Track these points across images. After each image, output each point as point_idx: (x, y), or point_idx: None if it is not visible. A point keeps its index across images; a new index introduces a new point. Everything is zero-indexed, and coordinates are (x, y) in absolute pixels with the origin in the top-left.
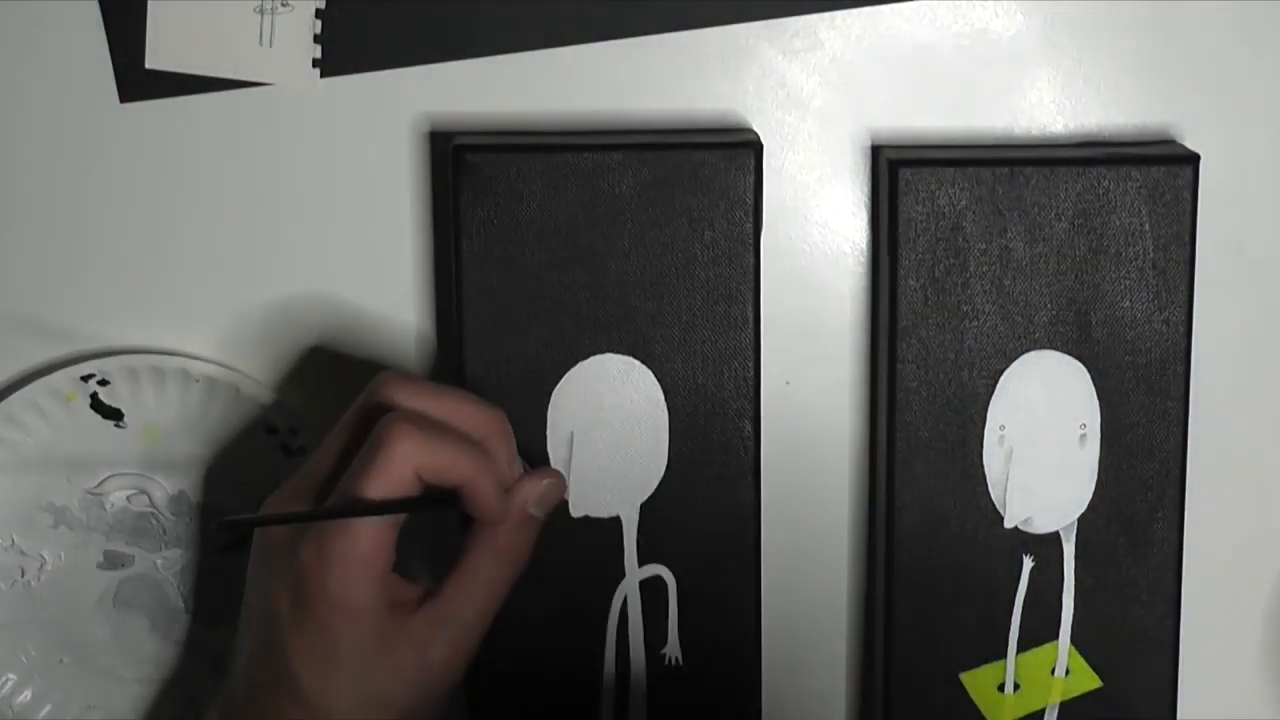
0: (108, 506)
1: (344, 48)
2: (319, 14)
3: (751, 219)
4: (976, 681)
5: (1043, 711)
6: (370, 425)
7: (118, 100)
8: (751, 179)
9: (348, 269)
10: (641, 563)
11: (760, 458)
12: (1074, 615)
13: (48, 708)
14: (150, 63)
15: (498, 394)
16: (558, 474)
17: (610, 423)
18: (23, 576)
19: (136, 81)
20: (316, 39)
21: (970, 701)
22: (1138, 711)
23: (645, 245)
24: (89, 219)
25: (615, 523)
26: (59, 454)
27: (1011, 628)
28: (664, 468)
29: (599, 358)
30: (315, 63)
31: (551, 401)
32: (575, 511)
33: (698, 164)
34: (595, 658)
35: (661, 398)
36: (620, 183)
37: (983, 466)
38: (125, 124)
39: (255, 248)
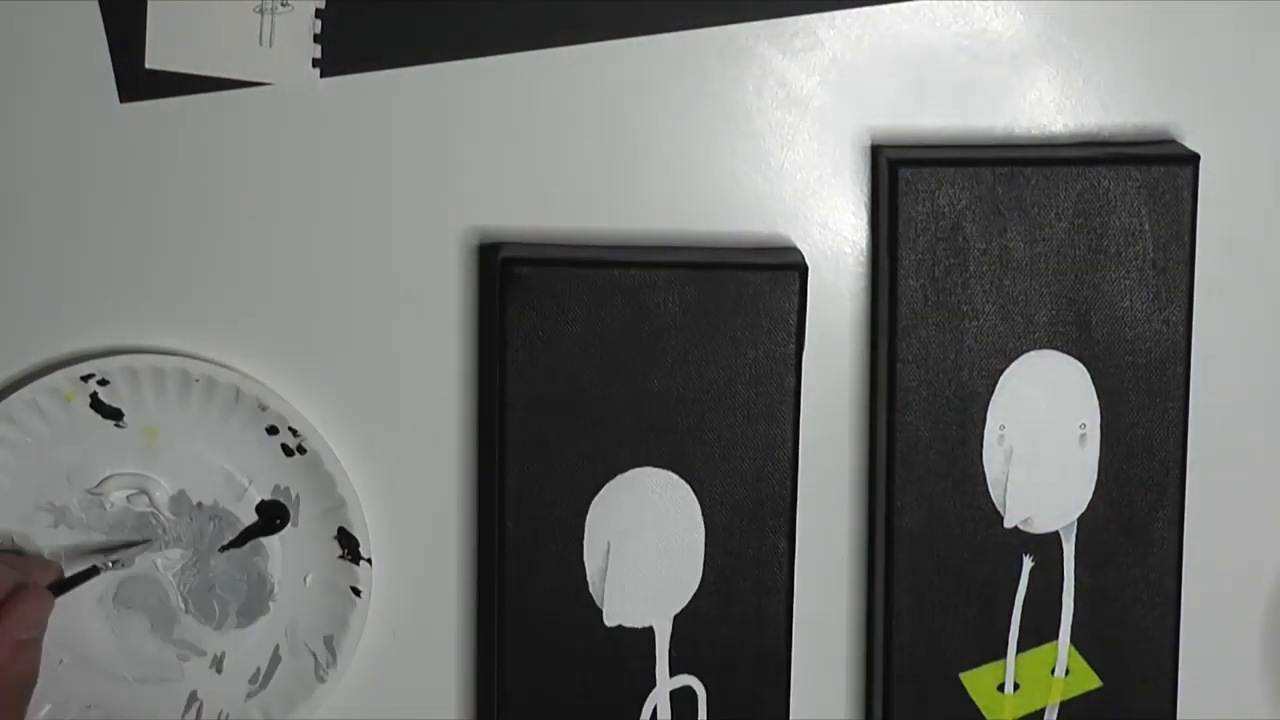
0: (108, 506)
1: (344, 48)
2: (319, 14)
3: (794, 340)
4: (976, 681)
5: (1043, 711)
6: None
7: (118, 100)
8: (796, 301)
9: (349, 267)
10: (673, 673)
11: (794, 574)
12: (1074, 615)
13: (47, 708)
14: (150, 63)
15: (537, 503)
16: (41, 592)
17: (647, 535)
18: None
19: (136, 81)
20: (316, 39)
21: (970, 701)
22: (1138, 711)
23: (688, 362)
24: (89, 219)
25: (648, 633)
26: (59, 454)
27: (1011, 628)
28: (698, 580)
29: (638, 471)
30: (315, 63)
31: (590, 512)
32: (609, 621)
33: (743, 285)
34: None
35: (698, 512)
36: (666, 300)
37: (983, 466)
38: (125, 124)
39: (255, 247)
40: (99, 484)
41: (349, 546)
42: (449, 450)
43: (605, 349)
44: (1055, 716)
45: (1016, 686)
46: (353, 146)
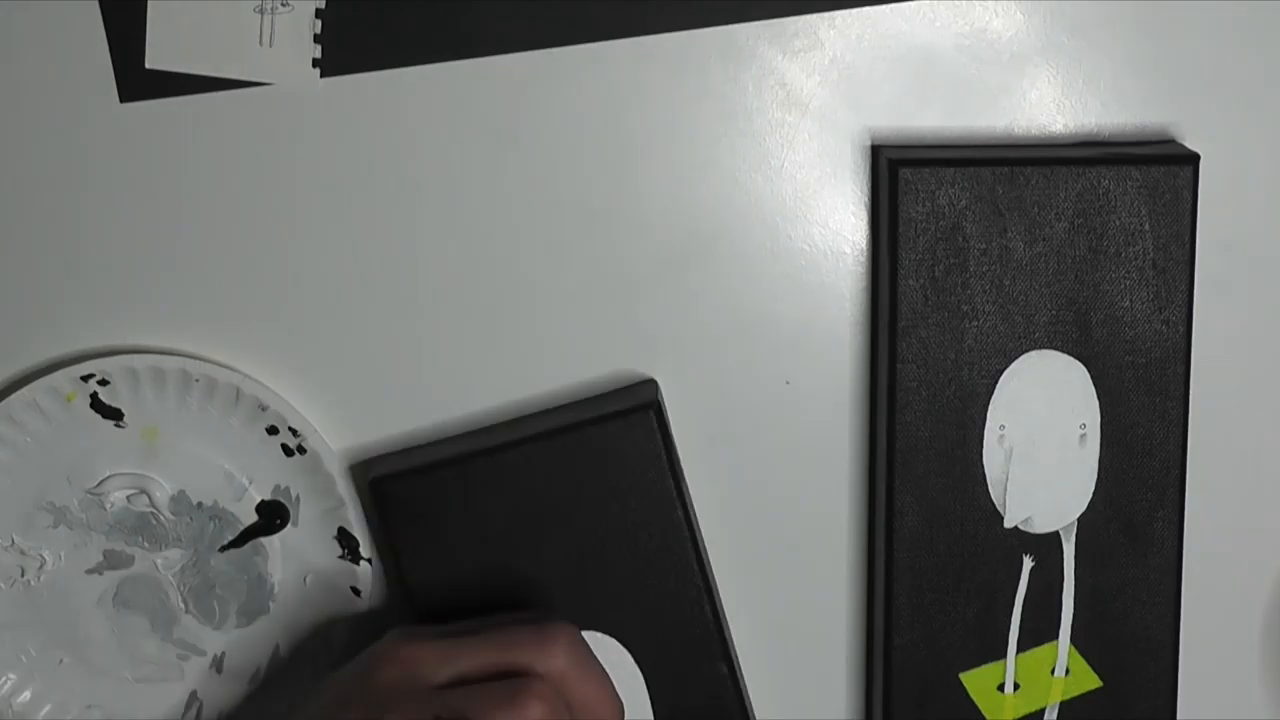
0: (108, 506)
1: (344, 48)
2: (319, 14)
3: (669, 475)
4: (976, 681)
5: (1043, 711)
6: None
7: (118, 100)
8: (658, 438)
9: (349, 267)
10: None
11: (742, 693)
12: (1074, 615)
13: (47, 708)
14: (150, 63)
15: None
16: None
17: None
18: (22, 576)
19: (136, 81)
20: (316, 39)
21: (970, 701)
22: (1137, 711)
23: (575, 524)
24: (88, 219)
25: None
26: (59, 454)
27: (1011, 628)
28: None
29: None
30: (315, 63)
31: None
32: None
33: (603, 438)
34: None
35: (633, 663)
36: (538, 474)
37: (983, 466)
38: (125, 124)
39: (254, 247)
40: (99, 484)
41: (349, 546)
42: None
43: (496, 539)
44: (1055, 716)
45: (1016, 686)
46: (353, 146)
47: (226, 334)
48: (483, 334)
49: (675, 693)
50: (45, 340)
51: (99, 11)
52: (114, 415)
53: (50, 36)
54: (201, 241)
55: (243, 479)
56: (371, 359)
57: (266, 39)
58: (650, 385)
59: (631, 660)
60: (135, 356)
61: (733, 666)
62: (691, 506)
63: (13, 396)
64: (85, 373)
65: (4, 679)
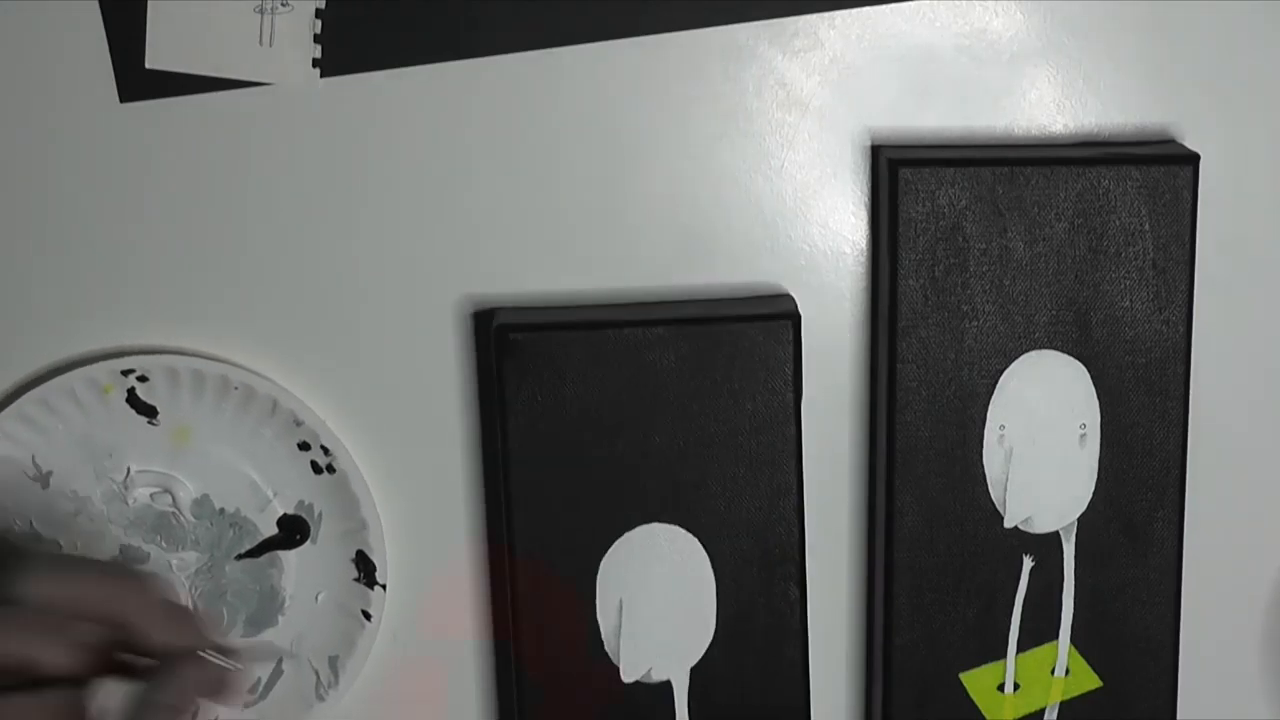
0: (130, 501)
1: (344, 48)
2: (319, 14)
3: (792, 388)
4: (976, 681)
5: (1042, 711)
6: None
7: (118, 100)
8: (790, 350)
9: (349, 268)
10: None
11: (807, 619)
12: (1074, 615)
13: None
14: (150, 63)
15: (548, 564)
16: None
17: (658, 590)
18: None
19: (136, 81)
20: (316, 39)
21: (970, 701)
22: (1137, 711)
23: (688, 417)
24: (87, 219)
25: (666, 687)
26: (89, 444)
27: (1011, 628)
28: (712, 632)
29: (645, 527)
30: (315, 63)
31: (600, 571)
32: (626, 677)
33: (738, 337)
34: None
35: (708, 565)
36: (662, 357)
37: (983, 466)
38: (125, 124)
39: (255, 248)
40: (124, 478)
41: (365, 570)
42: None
43: (606, 409)
44: (1055, 716)
45: (1016, 686)
46: (353, 146)
47: (226, 333)
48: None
49: (743, 606)
50: (71, 336)
51: (99, 11)
52: (148, 412)
53: (50, 36)
54: (201, 242)
55: (268, 490)
56: (371, 359)
57: (266, 39)
58: (789, 299)
59: (708, 563)
60: (178, 358)
61: (804, 593)
62: (801, 431)
63: (50, 382)
64: (126, 367)
65: None
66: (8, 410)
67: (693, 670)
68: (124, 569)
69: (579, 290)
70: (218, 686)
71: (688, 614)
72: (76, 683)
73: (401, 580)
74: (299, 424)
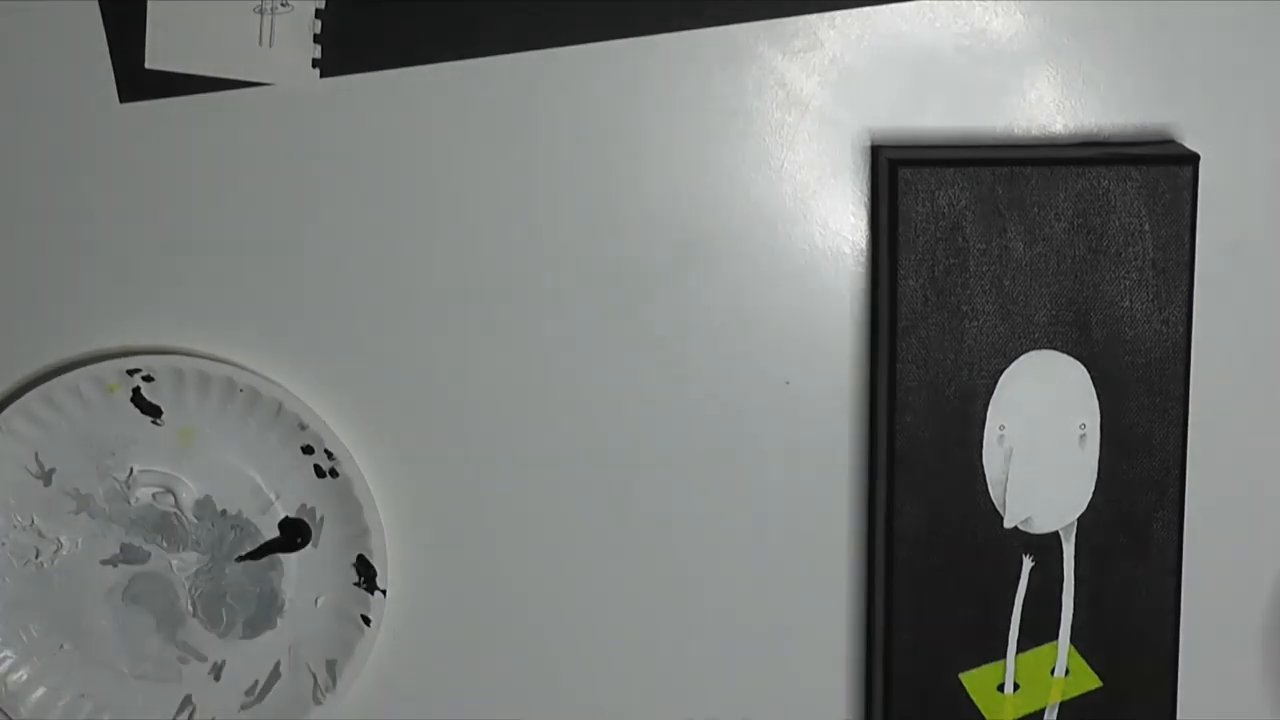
0: (132, 501)
1: (344, 48)
2: (319, 14)
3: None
4: (976, 681)
5: (1042, 712)
6: None
7: (118, 100)
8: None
9: (350, 266)
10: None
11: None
12: (1074, 615)
13: (41, 690)
14: (150, 63)
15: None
16: None
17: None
18: (36, 558)
19: (136, 81)
20: (316, 39)
21: (970, 702)
22: (1137, 711)
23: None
24: (87, 219)
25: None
26: (92, 442)
27: (1011, 628)
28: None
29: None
30: (315, 63)
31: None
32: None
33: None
34: None
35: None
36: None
37: (983, 466)
38: (125, 124)
39: (254, 248)
40: (127, 477)
41: (366, 575)
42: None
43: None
44: (1055, 717)
45: (1016, 687)
46: (353, 146)
47: (226, 330)
48: (486, 338)
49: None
50: (77, 335)
51: (99, 11)
52: (153, 412)
53: (50, 36)
54: (200, 242)
55: (270, 493)
56: (370, 359)
57: (266, 39)
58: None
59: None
60: (183, 358)
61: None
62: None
63: (55, 380)
64: (131, 367)
65: (2, 656)
66: (12, 407)
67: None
68: None
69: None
70: None
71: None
72: None
73: (401, 585)
74: (303, 428)
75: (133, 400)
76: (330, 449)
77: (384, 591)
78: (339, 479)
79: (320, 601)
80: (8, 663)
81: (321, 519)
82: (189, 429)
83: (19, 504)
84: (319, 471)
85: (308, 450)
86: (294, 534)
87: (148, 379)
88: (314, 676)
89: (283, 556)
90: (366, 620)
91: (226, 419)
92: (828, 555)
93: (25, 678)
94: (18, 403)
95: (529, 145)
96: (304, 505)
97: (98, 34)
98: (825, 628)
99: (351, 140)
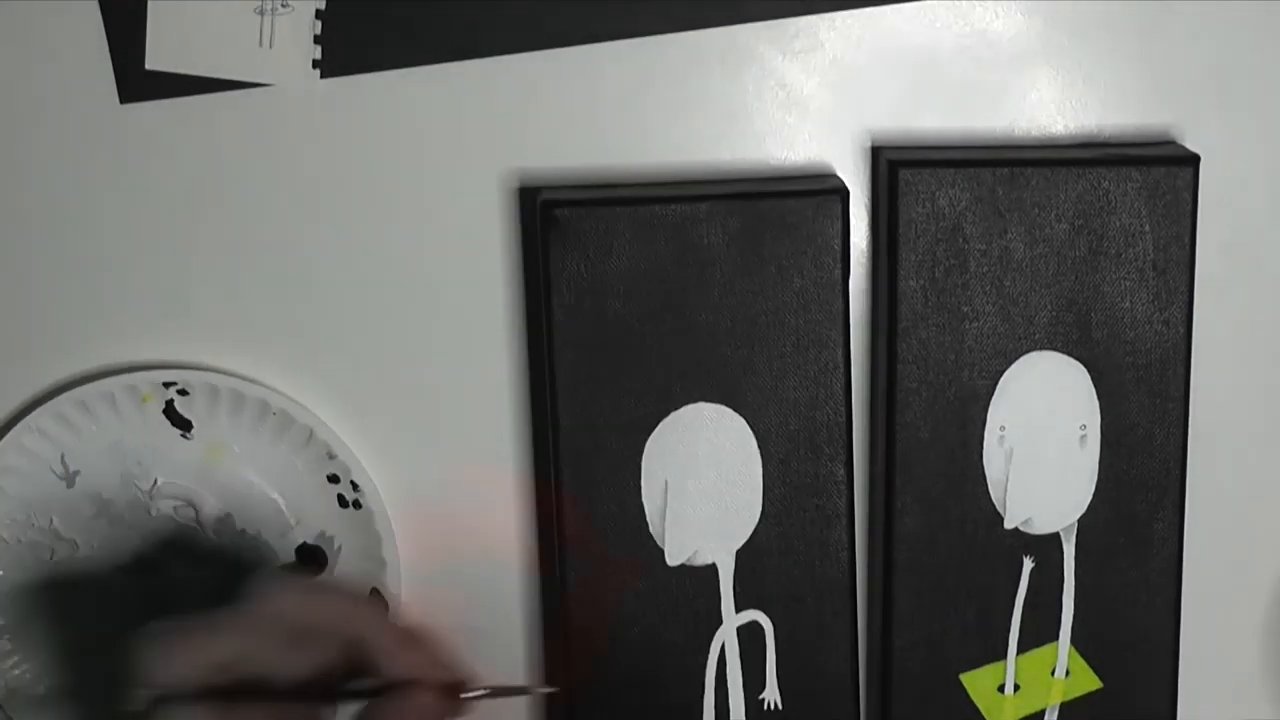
0: (153, 511)
1: (344, 48)
2: (319, 14)
3: (840, 265)
4: (976, 682)
5: (1043, 712)
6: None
7: (118, 100)
8: (839, 225)
9: (351, 266)
10: (739, 609)
11: (854, 501)
12: (1074, 615)
13: (41, 689)
14: (150, 63)
15: (591, 445)
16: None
17: (704, 471)
18: (51, 558)
19: (136, 81)
20: (316, 39)
21: (970, 702)
22: (1138, 712)
23: (735, 294)
24: (87, 220)
25: (711, 570)
26: (119, 449)
27: (1011, 628)
28: (759, 514)
29: (692, 406)
30: (315, 63)
31: (645, 451)
32: (672, 560)
33: (786, 212)
34: (694, 704)
35: (755, 445)
36: (708, 233)
37: (983, 467)
38: (125, 124)
39: (254, 248)
40: (150, 487)
41: None
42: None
43: (650, 286)
44: (1055, 717)
45: (1017, 687)
46: (353, 147)
47: (225, 329)
48: (486, 336)
49: (789, 487)
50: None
51: (99, 11)
52: (184, 426)
53: (50, 36)
54: (199, 242)
55: (291, 517)
56: (370, 358)
57: (266, 39)
58: (837, 178)
59: (755, 443)
60: (219, 376)
61: (850, 474)
62: (849, 309)
63: (90, 385)
64: (168, 379)
65: (8, 650)
66: (44, 407)
67: (739, 553)
68: (365, 594)
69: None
70: (442, 717)
71: (734, 495)
72: (308, 700)
73: None
74: (332, 457)
75: (165, 412)
76: (356, 481)
77: None
78: (361, 511)
79: None
80: (12, 658)
81: (339, 548)
82: (218, 446)
83: (40, 504)
84: (342, 501)
85: (333, 479)
86: (310, 560)
87: (183, 393)
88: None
89: None
90: None
91: (256, 440)
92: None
93: (29, 675)
94: (49, 403)
95: (529, 145)
96: (323, 533)
97: (98, 34)
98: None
99: (351, 140)
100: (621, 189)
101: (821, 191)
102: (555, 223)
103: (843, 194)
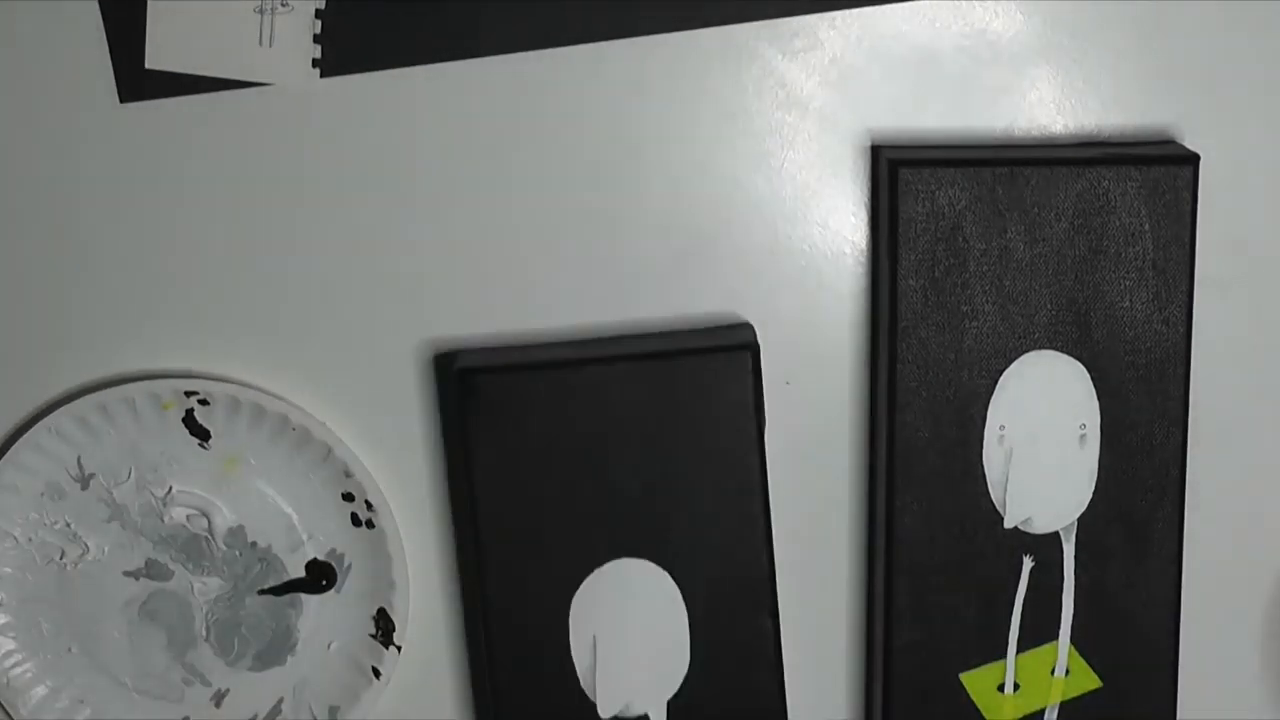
0: (165, 519)
1: (344, 48)
2: (319, 14)
3: (754, 420)
4: (976, 681)
5: (1043, 712)
6: None
7: (118, 100)
8: (750, 380)
9: (351, 266)
10: None
11: (781, 649)
12: (1074, 615)
13: (41, 688)
14: (150, 63)
15: (520, 603)
16: None
17: (631, 625)
18: (61, 558)
19: (136, 81)
20: (316, 39)
21: (970, 701)
22: (1138, 711)
23: (653, 451)
24: (87, 220)
25: None
26: (136, 455)
27: (1011, 628)
28: (687, 665)
29: (616, 563)
30: (315, 63)
31: (573, 608)
32: (604, 713)
33: (697, 370)
34: None
35: (680, 597)
36: (623, 394)
37: (983, 466)
38: (125, 124)
39: (254, 248)
40: (165, 495)
41: (383, 628)
42: None
43: (571, 447)
44: (1055, 717)
45: (1016, 687)
46: (353, 146)
47: (226, 330)
48: (486, 336)
49: (716, 637)
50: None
51: (99, 11)
52: (202, 435)
53: (50, 36)
54: (199, 242)
55: (303, 533)
56: (369, 358)
57: (266, 39)
58: (748, 329)
59: (679, 595)
60: (241, 389)
61: (776, 623)
62: (765, 460)
63: (111, 389)
64: (190, 388)
65: (9, 649)
66: (64, 409)
67: (670, 703)
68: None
69: (553, 327)
70: None
71: (662, 648)
72: None
73: (418, 645)
74: (348, 475)
75: (184, 420)
76: (371, 500)
77: (399, 648)
78: (374, 530)
79: (333, 647)
80: (15, 657)
81: (349, 566)
82: (234, 457)
83: (53, 504)
84: (355, 520)
85: (348, 498)
86: (320, 576)
87: (203, 402)
88: (315, 719)
89: (305, 596)
90: (377, 673)
91: (273, 454)
92: (828, 555)
93: (28, 674)
94: (69, 405)
95: (529, 145)
96: (334, 550)
97: (98, 34)
98: (825, 628)
99: (351, 140)
100: (536, 350)
101: (731, 347)
102: (473, 390)
103: (752, 349)
